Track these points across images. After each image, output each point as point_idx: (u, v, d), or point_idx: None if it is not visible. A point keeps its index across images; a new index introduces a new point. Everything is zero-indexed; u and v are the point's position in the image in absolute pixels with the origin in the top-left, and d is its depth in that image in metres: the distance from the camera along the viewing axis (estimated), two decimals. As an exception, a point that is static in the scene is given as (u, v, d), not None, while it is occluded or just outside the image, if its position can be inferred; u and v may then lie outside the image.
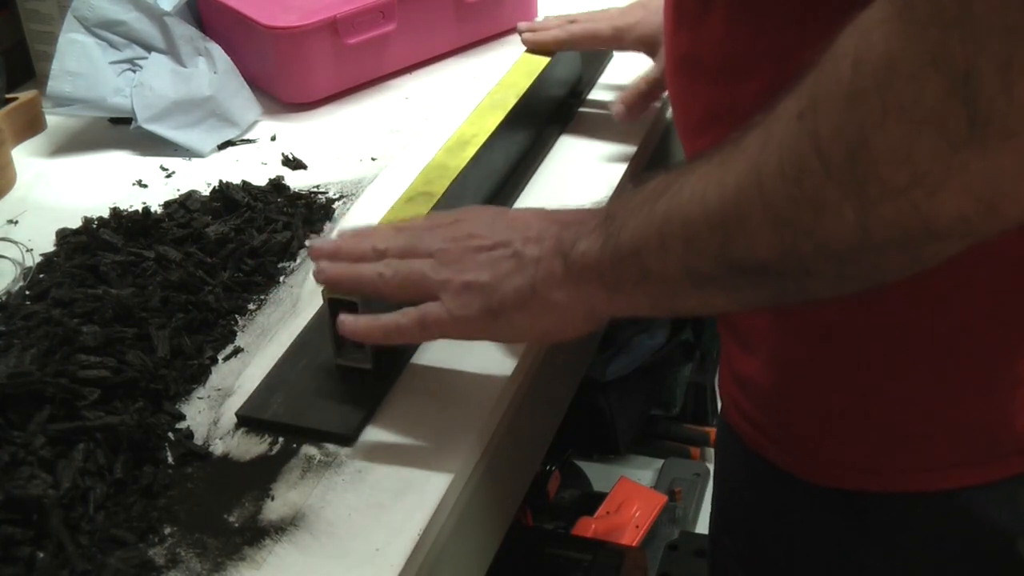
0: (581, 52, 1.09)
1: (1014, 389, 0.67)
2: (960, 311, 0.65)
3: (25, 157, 1.08)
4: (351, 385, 0.74)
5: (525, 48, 1.05)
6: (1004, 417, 0.68)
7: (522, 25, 1.06)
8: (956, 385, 0.68)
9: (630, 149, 1.01)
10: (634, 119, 1.01)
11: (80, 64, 1.07)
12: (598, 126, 1.04)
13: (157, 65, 1.09)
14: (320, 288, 0.74)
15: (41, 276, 0.87)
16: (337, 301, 0.72)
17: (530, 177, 0.97)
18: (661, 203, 0.58)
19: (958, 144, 0.46)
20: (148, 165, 1.05)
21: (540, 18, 1.12)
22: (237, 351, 0.80)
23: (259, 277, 0.86)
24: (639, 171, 1.01)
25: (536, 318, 0.65)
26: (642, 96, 1.00)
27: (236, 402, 0.74)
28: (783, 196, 0.52)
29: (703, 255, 0.57)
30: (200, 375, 0.77)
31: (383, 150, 1.05)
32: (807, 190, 0.51)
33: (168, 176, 1.03)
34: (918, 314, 0.66)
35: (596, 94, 1.10)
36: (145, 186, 1.01)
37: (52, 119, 1.12)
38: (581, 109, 1.08)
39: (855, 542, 0.73)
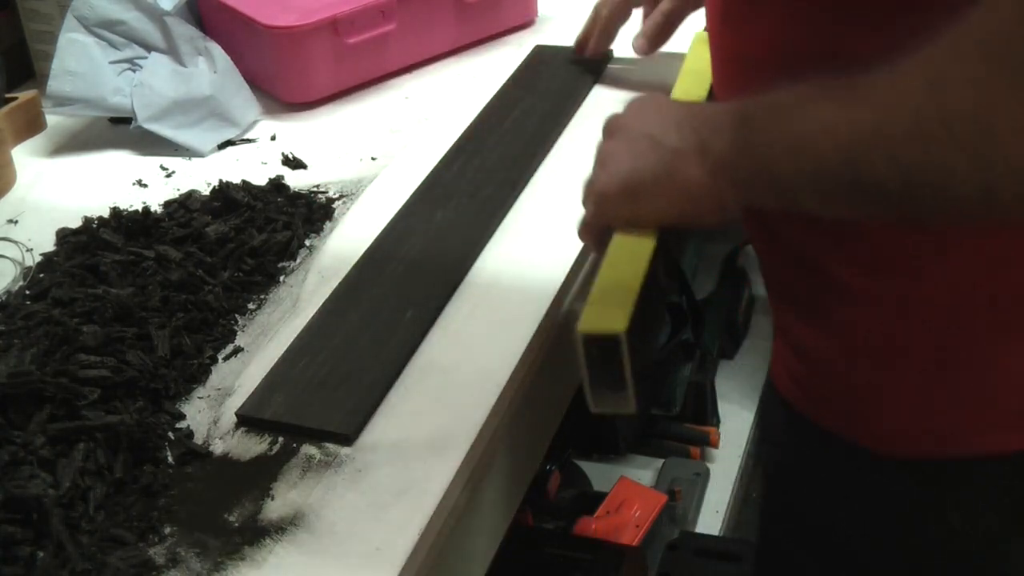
0: None
1: None
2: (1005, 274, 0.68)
3: (25, 157, 1.08)
4: (351, 385, 0.74)
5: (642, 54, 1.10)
6: None
7: (636, 45, 1.10)
8: (1015, 337, 0.69)
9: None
10: (654, 51, 1.09)
11: (80, 64, 1.07)
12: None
13: (157, 65, 1.09)
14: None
15: (41, 276, 0.87)
16: (593, 338, 0.65)
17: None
18: (794, 120, 0.62)
19: None
20: (148, 165, 1.05)
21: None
22: (237, 351, 0.80)
23: (259, 276, 0.86)
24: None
25: (672, 201, 0.70)
26: (661, 28, 1.07)
27: (236, 402, 0.74)
28: (912, 157, 0.56)
29: (832, 182, 0.61)
30: (200, 375, 0.77)
31: (383, 150, 1.05)
32: (934, 157, 0.55)
33: (168, 176, 1.03)
34: (987, 277, 0.68)
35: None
36: (145, 186, 1.01)
37: (52, 119, 1.12)
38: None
39: (926, 510, 0.74)
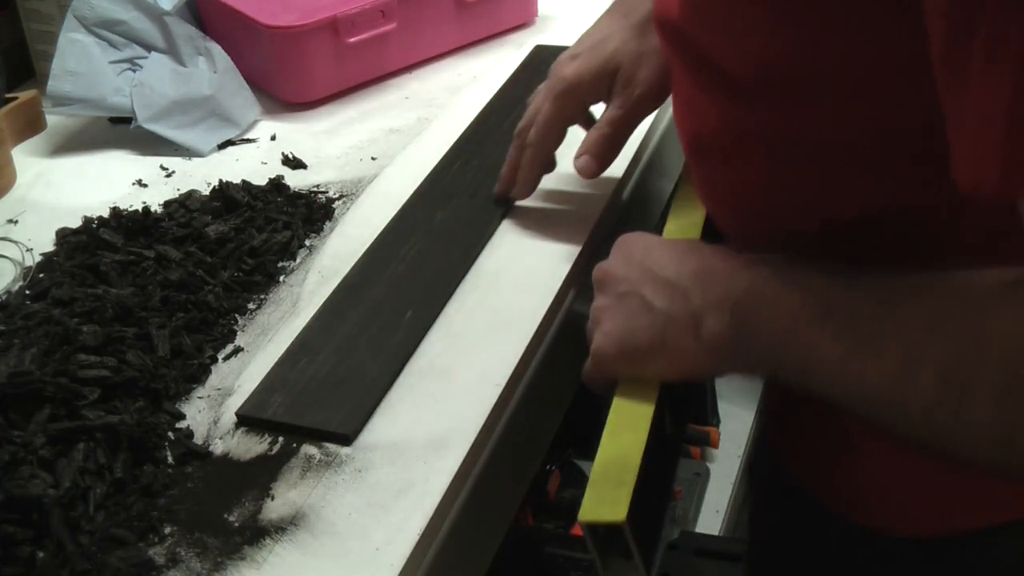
0: None
1: None
2: None
3: (25, 157, 1.08)
4: (351, 385, 0.74)
5: (589, 176, 0.89)
6: None
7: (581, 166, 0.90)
8: None
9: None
10: (604, 170, 0.89)
11: (80, 64, 1.07)
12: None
13: (157, 65, 1.09)
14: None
15: (41, 276, 0.87)
16: (593, 526, 0.65)
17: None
18: (800, 347, 0.60)
19: None
20: (148, 165, 1.05)
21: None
22: (237, 350, 0.80)
23: (259, 276, 0.86)
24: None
25: (670, 364, 0.68)
26: (610, 141, 0.88)
27: (236, 401, 0.74)
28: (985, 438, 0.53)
29: (852, 404, 0.58)
30: (200, 375, 0.77)
31: (383, 149, 1.05)
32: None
33: (168, 176, 1.03)
34: None
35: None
36: (145, 186, 1.01)
37: (52, 119, 1.12)
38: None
39: None
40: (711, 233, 0.79)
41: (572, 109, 0.88)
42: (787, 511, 0.81)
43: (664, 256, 0.70)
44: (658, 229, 0.99)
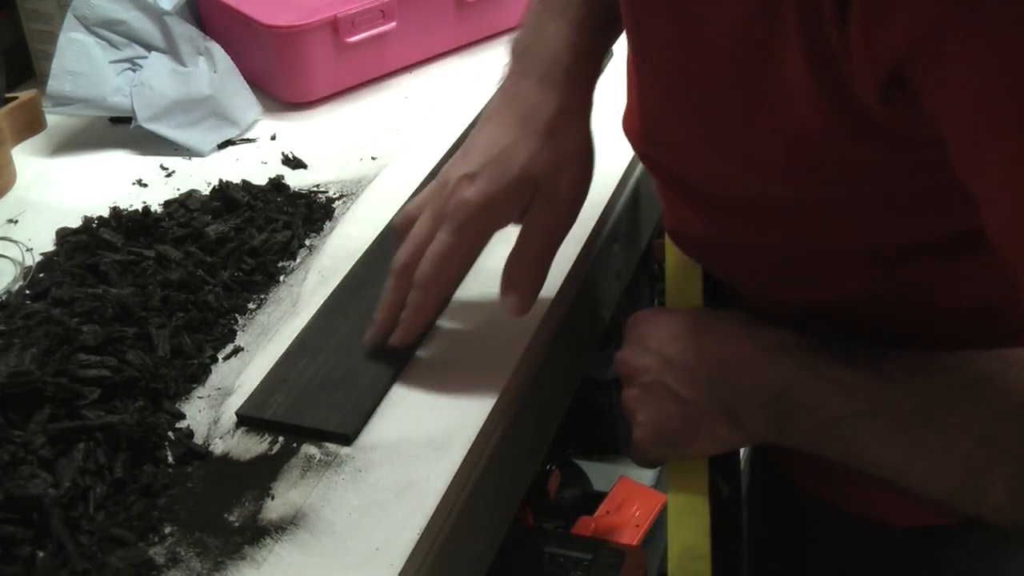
0: None
1: None
2: None
3: (25, 157, 1.08)
4: (351, 385, 0.74)
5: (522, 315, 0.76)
6: None
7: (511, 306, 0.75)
8: None
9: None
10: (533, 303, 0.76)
11: (80, 63, 1.07)
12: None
13: (157, 64, 1.09)
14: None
15: (41, 275, 0.87)
16: None
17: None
18: (845, 440, 0.62)
19: None
20: (148, 164, 1.05)
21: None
22: (237, 350, 0.80)
23: (259, 276, 0.86)
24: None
25: (710, 445, 0.71)
26: (541, 272, 0.75)
27: (236, 401, 0.74)
28: None
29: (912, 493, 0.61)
30: (200, 374, 0.77)
31: (383, 149, 1.05)
32: None
33: (168, 175, 1.03)
34: None
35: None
36: (145, 185, 1.01)
37: (52, 118, 1.12)
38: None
39: (951, 571, 0.74)
40: (712, 288, 0.80)
41: (477, 238, 0.74)
42: (786, 506, 0.82)
43: (679, 342, 0.70)
44: (655, 228, 0.99)
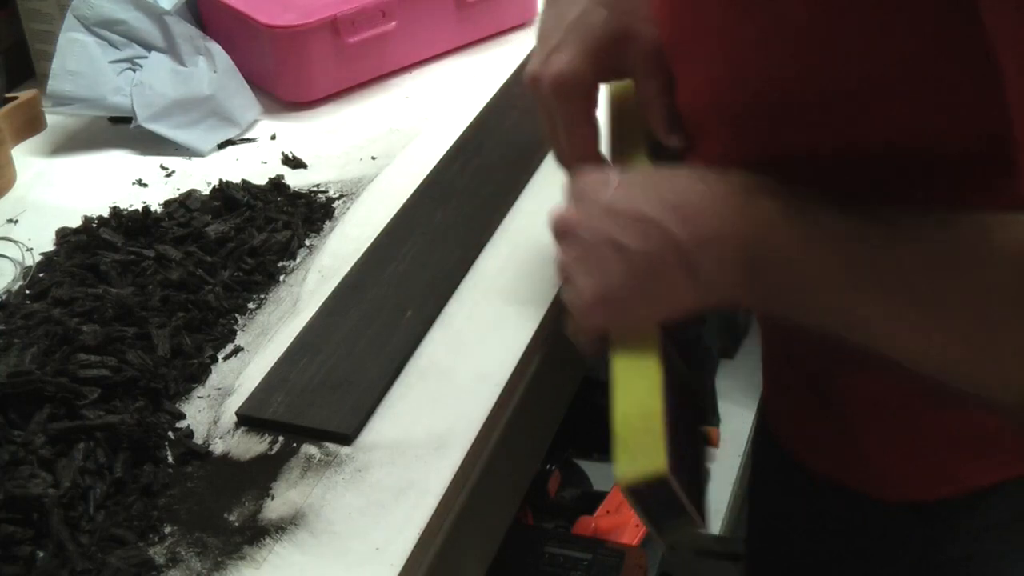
0: None
1: None
2: None
3: (25, 156, 1.08)
4: (351, 385, 0.74)
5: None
6: None
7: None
8: None
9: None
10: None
11: (80, 63, 1.06)
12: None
13: (157, 64, 1.09)
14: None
15: (41, 275, 0.87)
16: (635, 488, 0.60)
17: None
18: (808, 276, 0.56)
19: None
20: (148, 164, 1.05)
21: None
22: (237, 350, 0.80)
23: (259, 276, 0.86)
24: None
25: (661, 305, 0.62)
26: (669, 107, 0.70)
27: (236, 401, 0.74)
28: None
29: (908, 364, 0.56)
30: (200, 374, 0.77)
31: (383, 149, 1.05)
32: None
33: (168, 175, 1.03)
34: None
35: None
36: (145, 185, 1.01)
37: (52, 118, 1.12)
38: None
39: (932, 549, 0.72)
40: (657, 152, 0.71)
41: (586, 103, 0.71)
42: (783, 481, 0.81)
43: (626, 190, 0.62)
44: None
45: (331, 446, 0.70)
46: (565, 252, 0.64)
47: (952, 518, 0.71)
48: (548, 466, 1.60)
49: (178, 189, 0.99)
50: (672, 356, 0.66)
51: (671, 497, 0.59)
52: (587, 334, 0.66)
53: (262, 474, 0.69)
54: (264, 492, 0.67)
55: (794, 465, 0.77)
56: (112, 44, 1.09)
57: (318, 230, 0.93)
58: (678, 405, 0.64)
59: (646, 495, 0.60)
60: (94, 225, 0.91)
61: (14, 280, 0.88)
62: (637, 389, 0.62)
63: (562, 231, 0.64)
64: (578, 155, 0.71)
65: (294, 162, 1.03)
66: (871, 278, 0.54)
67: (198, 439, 0.72)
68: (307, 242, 0.91)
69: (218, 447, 0.71)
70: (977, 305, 0.53)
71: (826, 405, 0.72)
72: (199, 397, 0.76)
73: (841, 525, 0.76)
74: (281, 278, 0.87)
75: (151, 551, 0.64)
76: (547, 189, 0.96)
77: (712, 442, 1.81)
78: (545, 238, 0.89)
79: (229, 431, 0.73)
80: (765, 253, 0.56)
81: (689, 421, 0.68)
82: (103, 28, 1.08)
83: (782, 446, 0.79)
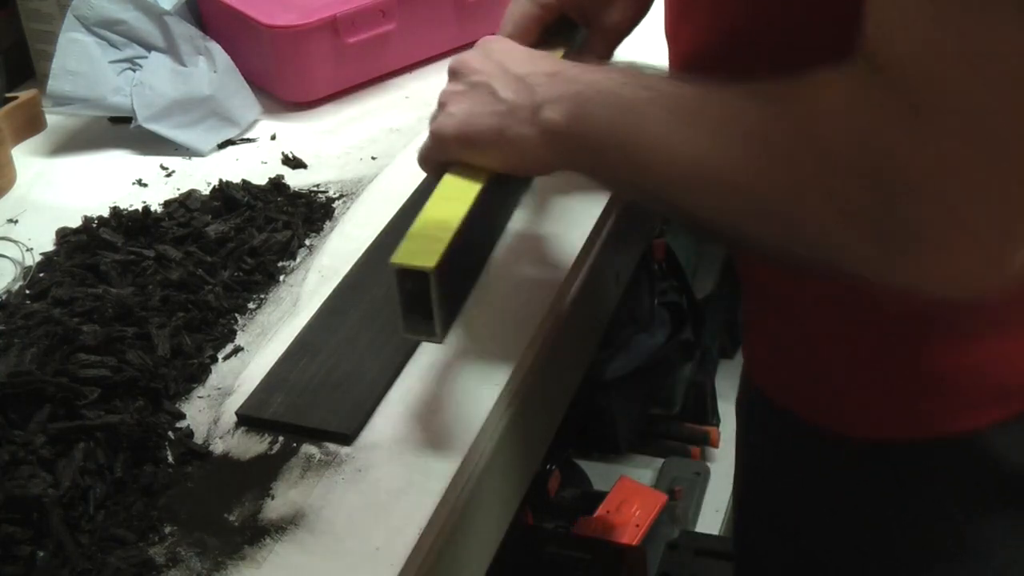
0: None
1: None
2: None
3: (25, 156, 1.08)
4: (351, 385, 0.74)
5: None
6: (1019, 351, 0.72)
7: None
8: (972, 329, 0.71)
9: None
10: None
11: (80, 63, 1.06)
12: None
13: (157, 64, 1.09)
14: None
15: (41, 275, 0.87)
16: (406, 272, 0.67)
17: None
18: (631, 114, 0.64)
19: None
20: (148, 164, 1.05)
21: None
22: (237, 350, 0.80)
23: (259, 276, 0.86)
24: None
25: (502, 154, 0.72)
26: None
27: (236, 401, 0.74)
28: (767, 182, 0.58)
29: (661, 193, 0.64)
30: (200, 374, 0.77)
31: (383, 149, 1.05)
32: (774, 198, 0.57)
33: (168, 175, 1.03)
34: None
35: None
36: (145, 185, 1.01)
37: (52, 118, 1.12)
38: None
39: (884, 491, 0.77)
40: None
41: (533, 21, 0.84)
42: (766, 429, 0.86)
43: (521, 56, 0.74)
44: (654, 228, 0.99)
45: (331, 446, 0.70)
46: (451, 86, 0.76)
47: (921, 461, 0.75)
48: (548, 466, 1.60)
49: (178, 189, 0.99)
50: (492, 201, 0.75)
51: (426, 296, 0.67)
52: (434, 160, 0.77)
53: (262, 474, 0.69)
54: (264, 492, 0.67)
55: (775, 412, 0.81)
56: (112, 44, 1.09)
57: (318, 230, 0.93)
58: (475, 237, 0.73)
59: (408, 284, 0.67)
60: (94, 225, 0.91)
61: (14, 280, 0.88)
62: (448, 205, 0.71)
63: (455, 69, 0.76)
64: (507, 31, 0.83)
65: (294, 162, 1.03)
66: (664, 100, 0.64)
67: (198, 439, 0.72)
68: (307, 242, 0.91)
69: (218, 447, 0.71)
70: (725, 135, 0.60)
71: (801, 345, 0.78)
72: (199, 397, 0.76)
73: (819, 467, 0.80)
74: (281, 278, 0.87)
75: (151, 551, 0.64)
76: (547, 188, 0.96)
77: (712, 442, 1.81)
78: (546, 236, 0.89)
79: (229, 431, 0.73)
80: (586, 96, 0.67)
81: (477, 257, 0.77)
82: (103, 28, 1.08)
83: (764, 394, 0.83)
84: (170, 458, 0.70)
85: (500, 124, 0.71)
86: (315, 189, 0.98)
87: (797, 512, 0.83)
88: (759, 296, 0.82)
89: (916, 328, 0.71)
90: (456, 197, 0.72)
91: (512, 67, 0.72)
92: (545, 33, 0.84)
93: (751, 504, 0.92)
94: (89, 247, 0.88)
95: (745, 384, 0.89)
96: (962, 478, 0.75)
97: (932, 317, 0.70)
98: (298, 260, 0.89)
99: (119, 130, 1.10)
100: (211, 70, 1.09)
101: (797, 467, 0.82)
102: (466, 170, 0.74)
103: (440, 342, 0.69)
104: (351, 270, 0.86)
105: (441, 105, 0.75)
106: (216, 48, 1.10)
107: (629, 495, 1.62)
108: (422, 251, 0.67)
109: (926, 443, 0.74)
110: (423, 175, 0.97)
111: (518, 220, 0.91)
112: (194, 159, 1.06)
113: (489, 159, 0.73)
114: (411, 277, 0.67)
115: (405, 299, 0.68)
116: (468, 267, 0.74)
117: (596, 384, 1.66)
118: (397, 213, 0.92)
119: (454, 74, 0.76)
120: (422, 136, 1.06)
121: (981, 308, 0.66)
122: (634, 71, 0.68)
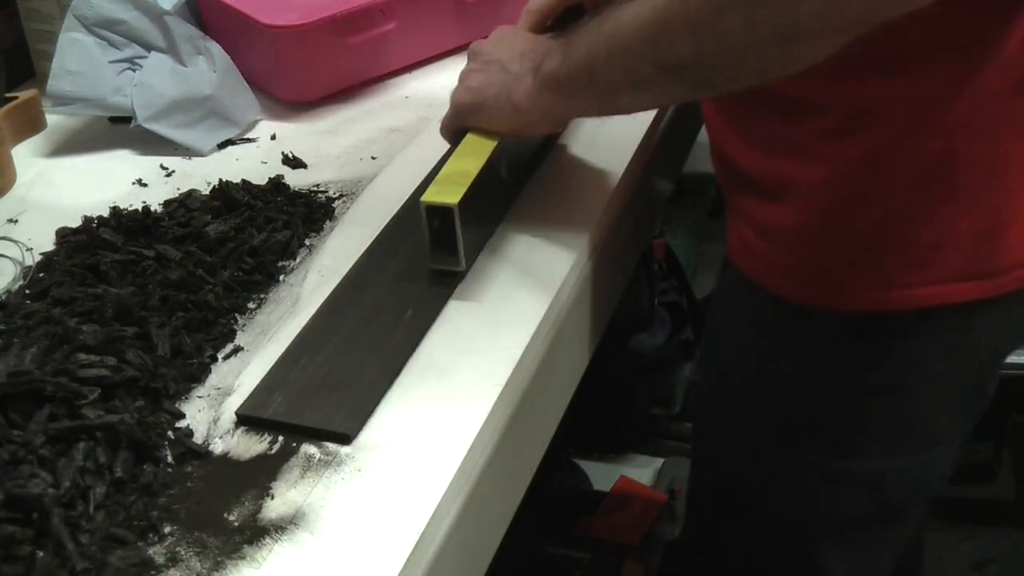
0: None
1: (1005, 200, 0.79)
2: (941, 138, 0.77)
3: (25, 156, 1.08)
4: (351, 385, 0.74)
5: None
6: (997, 227, 0.80)
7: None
8: (955, 199, 0.79)
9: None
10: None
11: (80, 63, 1.07)
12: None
13: (157, 64, 1.09)
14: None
15: (41, 275, 0.87)
16: (433, 207, 0.80)
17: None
18: (607, 24, 0.76)
19: None
20: (148, 164, 1.05)
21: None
22: (237, 350, 0.80)
23: (259, 276, 0.86)
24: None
25: (507, 117, 0.86)
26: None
27: (236, 401, 0.74)
28: (696, 3, 0.68)
29: (638, 57, 0.74)
30: (200, 374, 0.77)
31: (383, 149, 1.05)
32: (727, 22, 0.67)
33: (168, 175, 1.03)
34: (911, 144, 0.78)
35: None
36: (145, 185, 1.01)
37: (52, 118, 1.12)
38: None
39: (860, 362, 0.86)
40: None
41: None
42: (743, 305, 0.93)
43: (525, 41, 0.90)
44: (654, 228, 1.00)
45: (331, 446, 0.70)
46: (470, 65, 0.92)
47: (889, 339, 0.84)
48: (548, 466, 1.60)
49: (178, 189, 0.99)
50: (502, 162, 0.92)
51: (451, 230, 0.81)
52: (453, 128, 0.91)
53: (262, 474, 0.69)
54: (264, 492, 0.67)
55: (752, 287, 0.88)
56: (112, 44, 1.09)
57: (318, 230, 0.93)
58: (491, 187, 0.88)
59: (435, 221, 0.81)
60: (94, 225, 0.91)
61: (14, 280, 0.88)
62: (468, 159, 0.85)
63: (476, 51, 0.93)
64: (525, 21, 0.97)
65: (294, 162, 1.03)
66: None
67: (198, 439, 0.72)
68: (307, 242, 0.91)
69: (218, 447, 0.71)
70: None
71: (779, 216, 0.85)
72: (199, 397, 0.76)
73: (792, 343, 0.89)
74: (281, 278, 0.87)
75: (151, 551, 0.64)
76: (547, 188, 0.96)
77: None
78: (546, 237, 0.89)
79: (229, 431, 0.73)
80: (568, 48, 0.80)
81: (494, 204, 0.92)
82: (103, 28, 1.08)
83: (742, 272, 0.89)
84: (170, 458, 0.70)
85: (507, 89, 0.85)
86: (315, 189, 0.98)
87: (764, 386, 0.91)
88: (759, 193, 0.86)
89: (904, 205, 0.79)
90: (475, 152, 0.86)
91: (518, 46, 0.88)
92: (559, 23, 0.97)
93: (715, 385, 0.99)
94: (89, 247, 0.88)
95: (725, 268, 0.96)
96: (934, 349, 0.84)
97: (917, 192, 0.78)
98: (298, 260, 0.89)
99: (119, 130, 1.10)
100: (211, 70, 1.09)
101: (779, 345, 0.90)
102: (483, 132, 0.88)
103: (463, 269, 0.82)
104: (351, 270, 0.86)
105: (461, 79, 0.91)
106: (216, 48, 1.10)
107: (629, 495, 1.62)
108: (447, 192, 0.80)
109: (906, 315, 0.82)
110: (423, 175, 0.97)
111: (520, 220, 0.91)
112: (194, 159, 1.06)
113: (498, 123, 0.87)
114: (438, 214, 0.80)
115: (433, 235, 0.81)
116: (485, 213, 0.88)
117: (596, 383, 1.65)
118: (397, 213, 0.92)
119: (473, 55, 0.92)
120: (422, 136, 1.07)
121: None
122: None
